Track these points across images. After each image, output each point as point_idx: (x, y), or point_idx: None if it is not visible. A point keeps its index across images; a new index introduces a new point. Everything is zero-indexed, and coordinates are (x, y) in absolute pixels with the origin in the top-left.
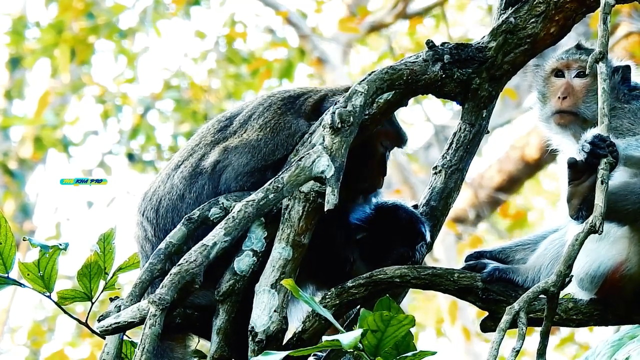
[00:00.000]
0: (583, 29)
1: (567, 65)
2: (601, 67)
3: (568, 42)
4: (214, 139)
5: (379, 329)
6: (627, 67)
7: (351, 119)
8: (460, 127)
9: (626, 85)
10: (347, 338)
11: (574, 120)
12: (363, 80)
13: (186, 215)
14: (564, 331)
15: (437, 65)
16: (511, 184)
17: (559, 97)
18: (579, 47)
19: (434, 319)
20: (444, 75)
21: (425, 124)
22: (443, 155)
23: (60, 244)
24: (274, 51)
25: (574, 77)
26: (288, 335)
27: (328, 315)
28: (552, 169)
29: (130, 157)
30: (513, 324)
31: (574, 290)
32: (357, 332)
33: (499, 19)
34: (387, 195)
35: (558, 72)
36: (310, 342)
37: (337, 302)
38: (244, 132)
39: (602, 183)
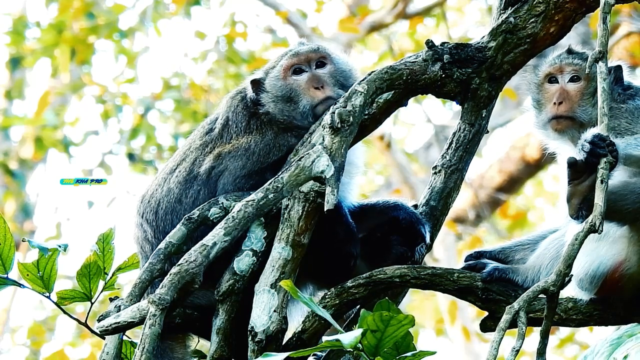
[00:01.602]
0: (583, 29)
1: (560, 70)
2: (601, 67)
3: (568, 42)
4: (202, 142)
5: (379, 329)
6: (619, 67)
7: (351, 118)
8: (459, 127)
9: (619, 85)
10: (348, 338)
11: (571, 125)
12: (363, 80)
13: (186, 215)
14: (563, 332)
15: (436, 65)
16: (511, 184)
17: (554, 103)
18: (570, 51)
19: (434, 319)
20: (443, 75)
21: (425, 124)
22: (443, 155)
23: (60, 246)
24: (274, 51)
25: (567, 82)
26: (288, 335)
27: (327, 315)
28: (553, 170)
29: (131, 157)
30: (513, 323)
31: (574, 291)
32: (357, 332)
33: (498, 18)
34: (387, 195)
35: (551, 78)
36: (310, 342)
37: (337, 302)
38: (232, 139)
39: (601, 182)
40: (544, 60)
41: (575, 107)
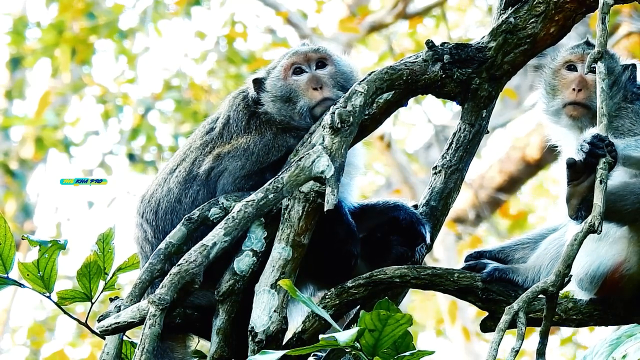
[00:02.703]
0: (583, 29)
1: (581, 58)
2: (600, 67)
3: (568, 42)
4: (203, 141)
5: (377, 329)
6: (634, 66)
7: (351, 119)
8: (460, 127)
9: (633, 84)
10: (344, 336)
11: (586, 114)
12: (363, 80)
13: (186, 215)
14: (564, 334)
15: (436, 65)
16: (512, 185)
17: (573, 89)
18: (588, 43)
19: (434, 319)
20: (443, 75)
21: (425, 124)
22: (443, 156)
23: (59, 240)
24: (274, 51)
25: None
26: (288, 335)
27: (325, 315)
28: (553, 170)
29: (131, 157)
30: (512, 324)
31: (574, 291)
32: (353, 330)
33: (498, 19)
34: (387, 195)
35: (570, 65)
36: (310, 342)
37: (337, 302)
38: (232, 138)
39: (600, 183)
40: (561, 49)
41: (593, 97)
